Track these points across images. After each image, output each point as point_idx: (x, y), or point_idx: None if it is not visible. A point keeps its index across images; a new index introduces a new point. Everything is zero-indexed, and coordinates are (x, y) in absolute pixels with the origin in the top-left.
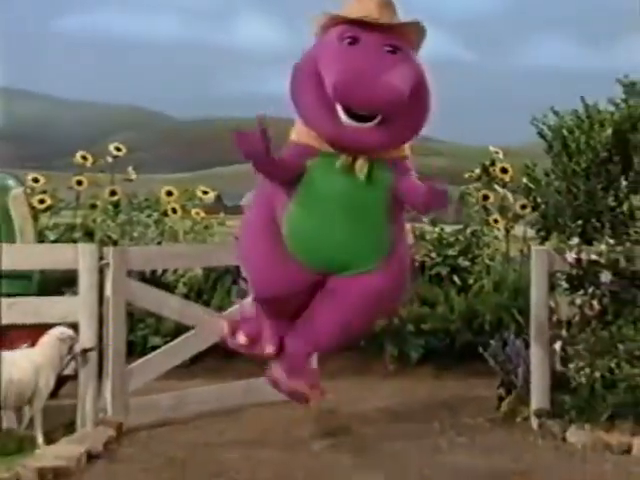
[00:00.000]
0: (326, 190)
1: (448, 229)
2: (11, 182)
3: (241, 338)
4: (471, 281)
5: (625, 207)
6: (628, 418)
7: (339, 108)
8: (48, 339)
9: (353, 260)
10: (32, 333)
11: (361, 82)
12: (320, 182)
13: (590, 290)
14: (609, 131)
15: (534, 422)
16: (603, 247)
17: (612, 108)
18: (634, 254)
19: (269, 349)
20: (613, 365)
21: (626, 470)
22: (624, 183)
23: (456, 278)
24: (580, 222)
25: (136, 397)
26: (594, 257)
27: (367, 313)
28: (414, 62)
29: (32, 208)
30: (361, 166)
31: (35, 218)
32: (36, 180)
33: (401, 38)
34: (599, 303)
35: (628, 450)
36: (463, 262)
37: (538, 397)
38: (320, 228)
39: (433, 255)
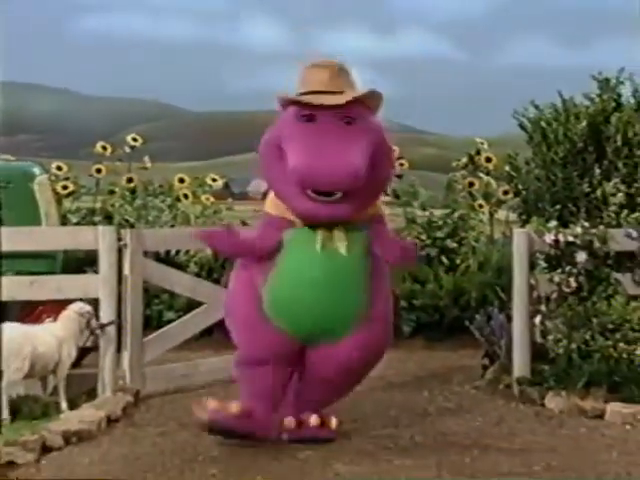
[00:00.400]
0: (304, 262)
1: (437, 213)
2: (37, 170)
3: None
4: (458, 261)
5: (599, 193)
6: (602, 386)
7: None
8: (68, 314)
9: (333, 327)
10: (55, 308)
11: (318, 166)
12: (297, 254)
13: (567, 269)
14: (584, 123)
15: (515, 389)
16: (579, 229)
17: (587, 102)
18: (607, 236)
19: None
20: (588, 337)
21: (599, 433)
22: (598, 171)
23: (444, 258)
24: (558, 207)
25: (151, 366)
26: (571, 239)
27: (354, 374)
28: (370, 130)
29: (56, 193)
30: (340, 237)
31: (59, 203)
32: (59, 168)
33: (357, 108)
34: (575, 281)
35: (601, 415)
36: (451, 244)
37: (519, 366)
38: (299, 299)
39: (423, 237)
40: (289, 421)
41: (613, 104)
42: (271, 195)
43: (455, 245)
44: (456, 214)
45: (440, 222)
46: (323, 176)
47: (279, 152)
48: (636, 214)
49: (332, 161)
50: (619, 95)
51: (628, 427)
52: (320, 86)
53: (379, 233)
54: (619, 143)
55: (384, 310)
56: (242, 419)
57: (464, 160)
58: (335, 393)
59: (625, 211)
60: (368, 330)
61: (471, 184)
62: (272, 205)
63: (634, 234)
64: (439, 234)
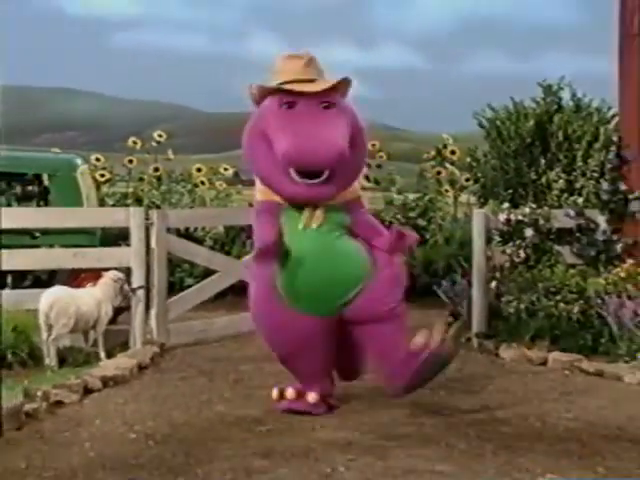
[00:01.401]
0: (298, 244)
1: (410, 197)
2: (79, 160)
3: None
4: (428, 236)
5: (544, 180)
6: (545, 339)
7: (291, 170)
8: (105, 280)
9: (341, 291)
10: (94, 275)
11: (306, 148)
12: (291, 237)
13: (517, 242)
14: (532, 122)
15: (475, 342)
16: (527, 210)
17: (534, 105)
18: (550, 215)
19: (312, 397)
20: (534, 299)
21: (543, 377)
22: (543, 162)
23: (416, 234)
24: (510, 191)
25: (174, 323)
26: (520, 217)
27: (386, 312)
28: (346, 113)
29: (95, 180)
30: (318, 217)
31: (97, 188)
32: (98, 159)
33: (331, 92)
34: (524, 252)
35: (544, 363)
36: (422, 222)
37: (478, 323)
38: (305, 280)
39: (399, 217)
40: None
41: (555, 106)
42: (258, 184)
43: (425, 223)
44: (426, 198)
45: (413, 204)
46: (312, 156)
47: (264, 140)
48: (574, 197)
49: (318, 142)
50: (560, 99)
51: (567, 372)
52: (295, 75)
53: (363, 218)
54: (560, 139)
55: (389, 267)
56: (297, 402)
57: (433, 153)
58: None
59: (565, 195)
60: (377, 278)
61: (439, 173)
62: (260, 192)
63: (572, 214)
64: (412, 214)
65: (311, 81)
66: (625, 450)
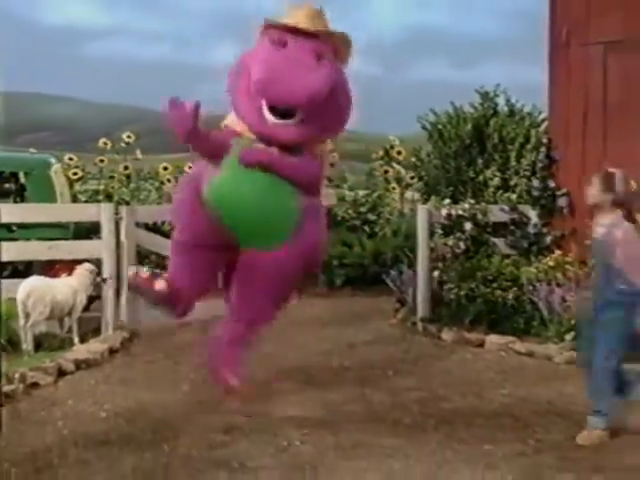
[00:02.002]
0: (240, 169)
1: (361, 193)
2: (53, 160)
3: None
4: (377, 229)
5: (481, 178)
6: (483, 323)
7: (264, 105)
8: (80, 271)
9: (265, 231)
10: (68, 266)
11: (282, 79)
12: (236, 161)
13: (457, 235)
14: (470, 125)
15: (419, 325)
16: (466, 205)
17: (472, 110)
18: (487, 210)
19: (159, 285)
20: (473, 286)
21: (481, 358)
22: (480, 161)
23: (366, 228)
24: (451, 188)
25: (143, 310)
26: (460, 212)
27: (287, 283)
28: (335, 68)
29: (68, 178)
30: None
31: (70, 185)
32: (71, 159)
33: (328, 47)
34: (464, 244)
35: (482, 344)
36: (371, 216)
37: (422, 309)
38: (237, 193)
39: (350, 211)
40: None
41: (491, 111)
42: (231, 113)
43: (374, 218)
44: (375, 194)
45: (363, 200)
46: (285, 91)
47: (246, 72)
48: (508, 194)
49: (295, 79)
50: (496, 104)
51: (502, 353)
52: (300, 21)
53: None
54: (496, 140)
55: (315, 234)
56: (162, 292)
57: (381, 153)
58: (264, 300)
59: (500, 191)
60: (297, 244)
61: (386, 171)
62: (230, 119)
63: (506, 209)
64: (362, 209)
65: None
66: (554, 424)
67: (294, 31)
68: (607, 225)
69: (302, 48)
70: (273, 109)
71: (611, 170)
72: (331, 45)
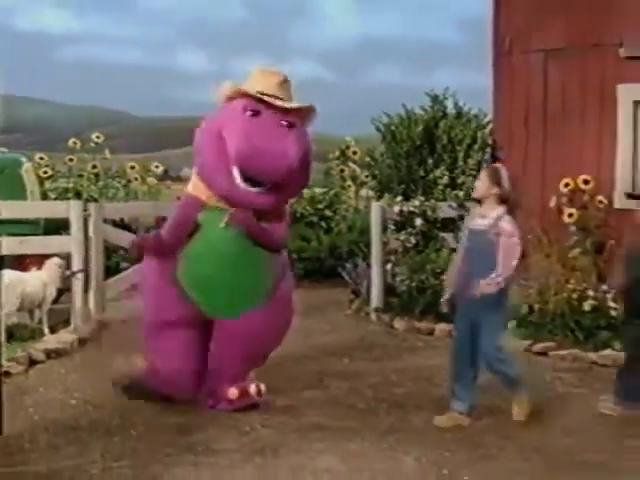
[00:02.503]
0: (213, 242)
1: (318, 191)
2: (24, 159)
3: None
4: (333, 225)
5: (431, 177)
6: (432, 312)
7: (235, 171)
8: (49, 265)
9: (237, 303)
10: (38, 260)
11: (259, 153)
12: (208, 233)
13: (409, 230)
14: (421, 127)
15: (373, 315)
16: (417, 203)
17: (423, 112)
18: (436, 207)
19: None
20: (423, 278)
21: (431, 345)
22: (430, 161)
23: (323, 223)
24: (402, 186)
25: (111, 302)
26: (411, 209)
27: (258, 348)
28: (304, 137)
29: (38, 177)
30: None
31: (41, 184)
32: (41, 158)
33: (295, 115)
34: (415, 239)
35: (432, 333)
36: (328, 213)
37: (376, 299)
38: (207, 274)
39: (308, 208)
40: (232, 392)
41: (441, 114)
42: (194, 178)
43: (331, 214)
44: (332, 192)
45: (320, 197)
46: (263, 164)
47: (218, 137)
48: (456, 191)
49: (272, 152)
50: (445, 107)
51: (449, 340)
52: (270, 89)
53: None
54: (445, 141)
55: (286, 293)
56: (149, 378)
57: (337, 153)
58: (243, 365)
59: (449, 189)
60: (271, 309)
61: (342, 170)
62: (193, 186)
63: (454, 206)
64: (320, 206)
65: (281, 99)
66: (496, 405)
67: (267, 101)
68: (494, 218)
69: (274, 118)
70: (244, 176)
71: (497, 165)
72: (298, 113)
